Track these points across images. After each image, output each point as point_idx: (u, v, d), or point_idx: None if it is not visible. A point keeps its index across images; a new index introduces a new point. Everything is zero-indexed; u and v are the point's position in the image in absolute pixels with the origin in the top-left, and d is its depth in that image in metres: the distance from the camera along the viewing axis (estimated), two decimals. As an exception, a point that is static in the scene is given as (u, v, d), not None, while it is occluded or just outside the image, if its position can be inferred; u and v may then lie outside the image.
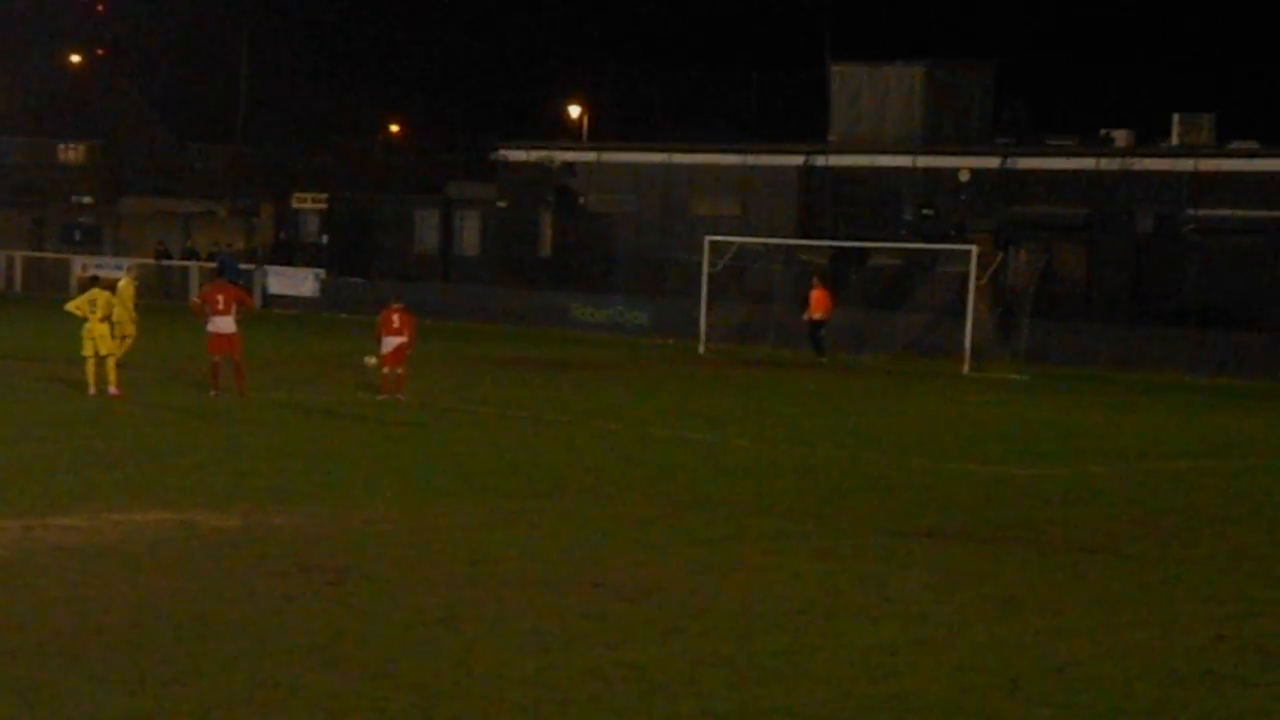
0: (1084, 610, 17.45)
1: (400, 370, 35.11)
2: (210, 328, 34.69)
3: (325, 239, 75.05)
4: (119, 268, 73.84)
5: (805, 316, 51.87)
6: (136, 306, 40.06)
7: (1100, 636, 16.33)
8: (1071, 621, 16.92)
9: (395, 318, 35.23)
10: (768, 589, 17.86)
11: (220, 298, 34.99)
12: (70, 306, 34.23)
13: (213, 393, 34.25)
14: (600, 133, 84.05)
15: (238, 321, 34.87)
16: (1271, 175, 53.05)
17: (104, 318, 33.55)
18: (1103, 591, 18.47)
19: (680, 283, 59.51)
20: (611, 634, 15.63)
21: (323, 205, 76.10)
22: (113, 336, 34.10)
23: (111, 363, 33.63)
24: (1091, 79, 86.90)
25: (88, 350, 33.39)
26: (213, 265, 70.13)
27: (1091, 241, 55.71)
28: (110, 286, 36.65)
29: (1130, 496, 26.12)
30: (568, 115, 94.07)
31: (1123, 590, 18.59)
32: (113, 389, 33.35)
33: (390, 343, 35.02)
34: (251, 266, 69.75)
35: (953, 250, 53.87)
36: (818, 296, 51.71)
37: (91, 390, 33.28)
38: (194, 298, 37.09)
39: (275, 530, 20.17)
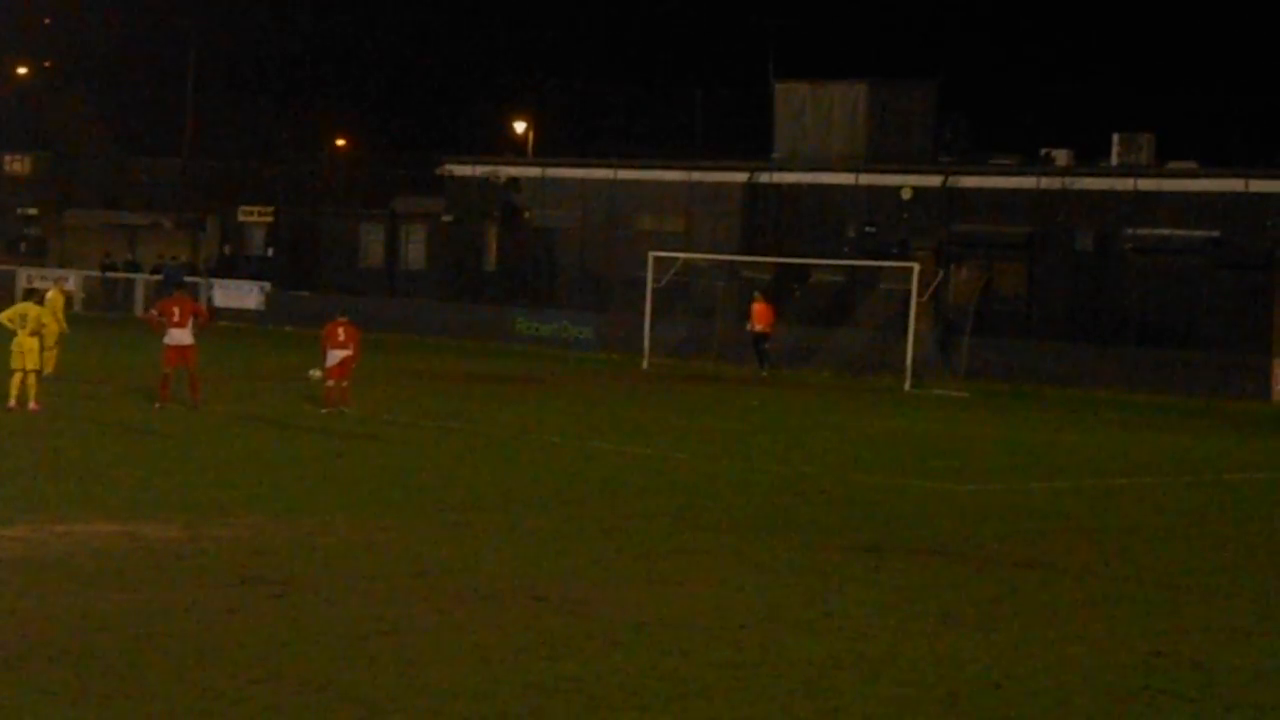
0: (1022, 625, 17.65)
1: (345, 383, 35.17)
2: (167, 339, 34.79)
3: (271, 252, 74.94)
4: (64, 280, 73.78)
5: (748, 328, 52.14)
6: (66, 318, 40.06)
7: (1038, 651, 16.51)
8: (1010, 636, 17.11)
9: (340, 331, 35.30)
10: (709, 603, 18.01)
11: (176, 309, 35.10)
12: (0, 317, 34.11)
13: (157, 405, 34.27)
14: (545, 148, 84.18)
15: (194, 334, 34.93)
16: (1210, 195, 53.50)
17: (33, 332, 33.40)
18: (1041, 607, 18.67)
19: (625, 298, 59.68)
20: (553, 647, 15.76)
21: (269, 218, 76.02)
22: (40, 351, 33.89)
23: (33, 378, 33.36)
24: (1032, 98, 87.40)
25: (15, 364, 33.25)
26: (158, 277, 69.98)
27: (1032, 260, 56.07)
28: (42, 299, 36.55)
29: (1068, 512, 26.37)
30: (513, 130, 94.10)
31: (1061, 606, 18.79)
32: (32, 404, 33.10)
33: (335, 356, 35.08)
34: (196, 279, 69.60)
35: (895, 267, 54.17)
36: (759, 310, 51.95)
37: (12, 404, 33.03)
38: (152, 310, 36.97)
39: (219, 542, 20.23)
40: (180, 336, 34.70)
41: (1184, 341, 52.01)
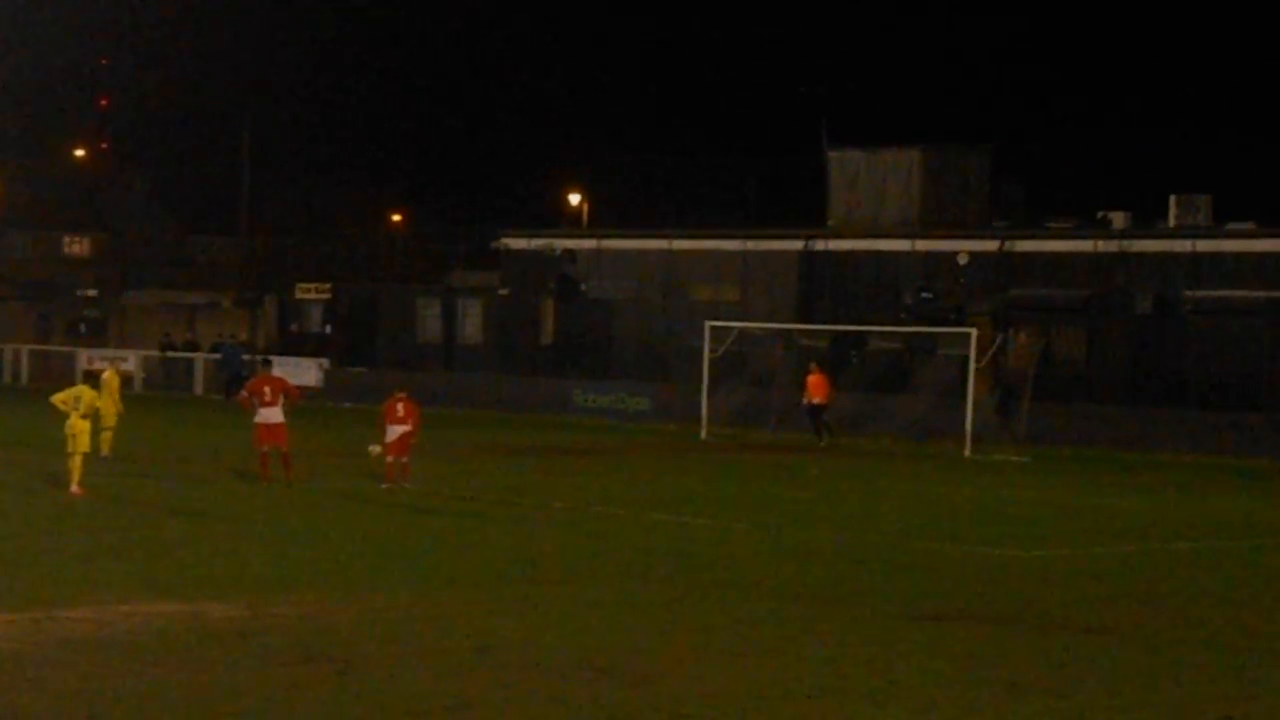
0: (1090, 692, 17.50)
1: (405, 459, 35.21)
2: (258, 418, 35.27)
3: (329, 329, 75.24)
4: (123, 361, 74.20)
5: (804, 401, 51.94)
6: (121, 397, 40.53)
7: (1107, 719, 16.37)
8: (1078, 704, 16.96)
9: (400, 407, 35.36)
10: (773, 673, 17.91)
11: (267, 389, 35.53)
12: (55, 399, 34.24)
13: (264, 483, 34.61)
14: (600, 220, 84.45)
15: (285, 412, 35.31)
16: (1268, 256, 53.26)
17: (85, 414, 33.52)
18: (1108, 673, 18.51)
19: (681, 368, 59.64)
20: (618, 720, 15.69)
21: (326, 295, 76.36)
22: (95, 433, 33.89)
23: (79, 460, 33.34)
24: (1088, 161, 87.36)
25: (70, 447, 33.31)
26: (216, 356, 70.30)
27: (1090, 323, 55.86)
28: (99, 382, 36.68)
29: (1133, 577, 26.18)
30: (568, 203, 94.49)
31: (1129, 672, 18.63)
32: (74, 488, 33.06)
33: (394, 431, 35.13)
34: (249, 358, 69.89)
35: (952, 333, 54.03)
36: (815, 381, 51.76)
37: (74, 488, 33.08)
38: (243, 392, 37.41)
39: (282, 619, 20.23)
40: (271, 415, 35.14)
41: (1245, 403, 51.68)
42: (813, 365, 52.79)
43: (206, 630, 19.49)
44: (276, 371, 40.61)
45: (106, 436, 38.75)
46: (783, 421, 53.84)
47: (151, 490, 34.18)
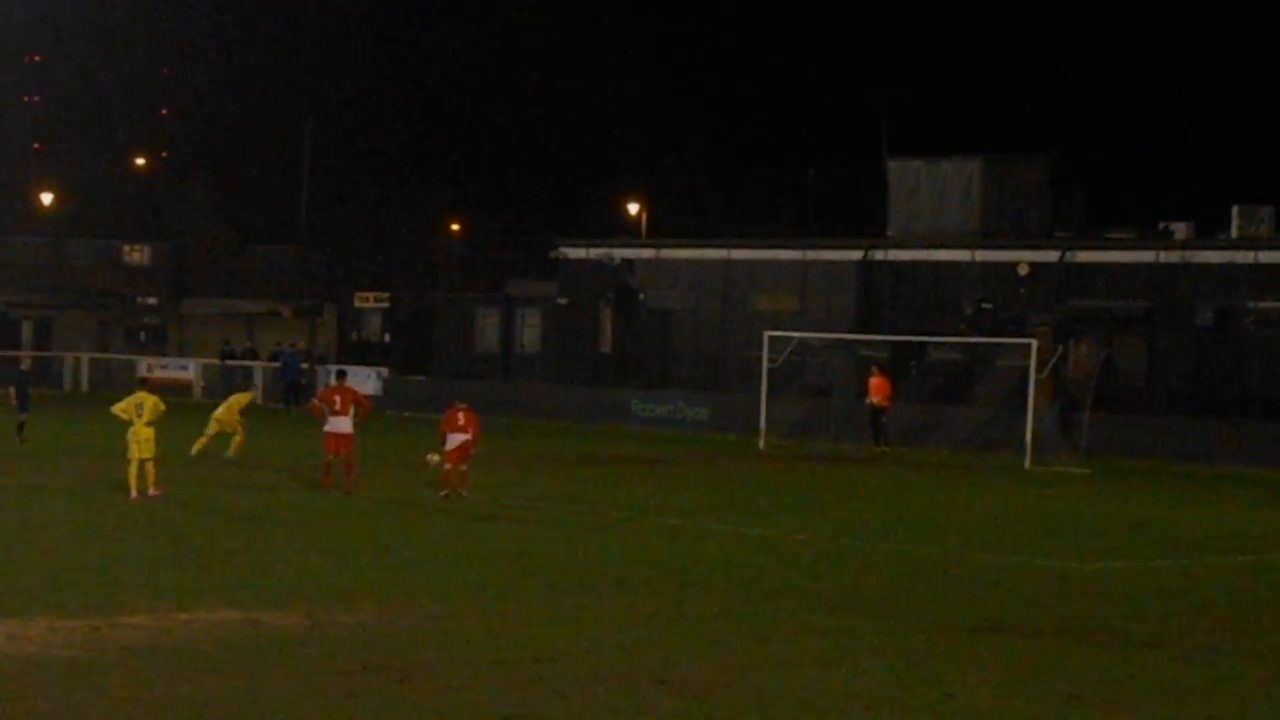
0: (1150, 706, 17.39)
1: (463, 467, 35.28)
2: (327, 427, 35.68)
3: (387, 338, 75.45)
4: (183, 368, 74.56)
5: (866, 401, 51.86)
6: (242, 412, 42.80)
7: (1166, 732, 16.28)
8: (1136, 718, 16.86)
9: (460, 416, 35.48)
10: (832, 685, 17.86)
11: (338, 398, 35.97)
12: (116, 409, 34.44)
13: (323, 492, 34.92)
14: (659, 229, 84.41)
15: (355, 423, 35.69)
16: (1332, 266, 52.91)
17: (149, 422, 33.71)
18: (1169, 687, 18.40)
19: (740, 378, 59.58)
20: (676, 731, 15.65)
21: (385, 304, 76.58)
22: (155, 440, 34.14)
23: (151, 465, 33.63)
24: (1149, 171, 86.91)
25: (133, 453, 33.54)
26: (276, 364, 70.55)
27: (1152, 334, 55.60)
28: (155, 389, 37.06)
29: (1194, 591, 26.02)
30: (626, 212, 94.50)
31: (1189, 686, 18.51)
32: (152, 490, 33.39)
33: (454, 440, 35.23)
34: (306, 366, 70.12)
35: (1012, 344, 53.81)
36: (877, 383, 51.69)
37: (133, 494, 33.32)
38: (314, 400, 38.06)
39: (340, 628, 20.26)
40: (340, 425, 35.54)
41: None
42: (875, 367, 52.72)
43: (265, 639, 19.53)
44: (349, 382, 40.75)
45: (237, 441, 41.78)
46: (840, 433, 53.69)
47: (211, 497, 34.29)
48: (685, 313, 65.26)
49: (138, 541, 27.74)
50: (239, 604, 21.64)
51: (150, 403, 34.13)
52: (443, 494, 34.86)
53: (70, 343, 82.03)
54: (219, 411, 42.54)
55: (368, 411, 37.46)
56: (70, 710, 15.99)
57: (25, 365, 56.22)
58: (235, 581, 23.64)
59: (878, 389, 51.64)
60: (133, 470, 33.48)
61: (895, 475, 45.21)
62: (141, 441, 33.46)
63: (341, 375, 41.67)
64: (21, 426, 46.12)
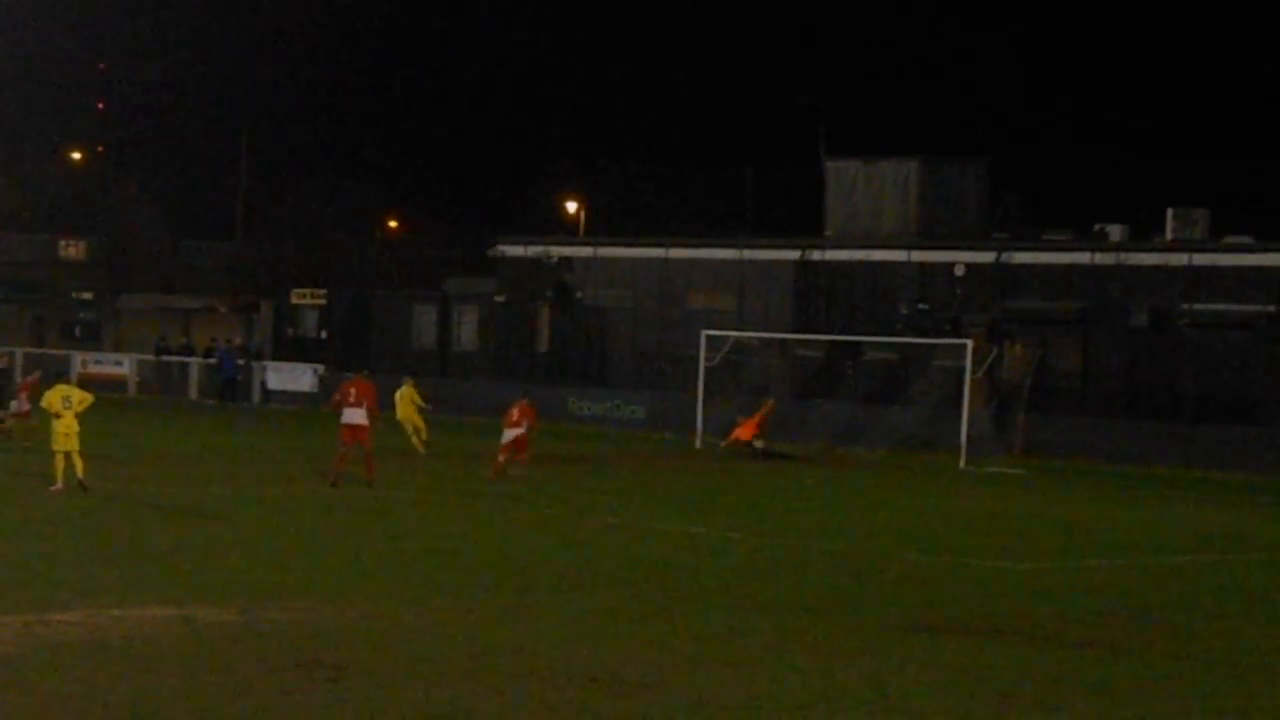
0: (1083, 706, 17.48)
1: (520, 457, 38.47)
2: (343, 419, 36.81)
3: (324, 334, 75.21)
4: (118, 364, 74.18)
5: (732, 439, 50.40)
6: (420, 410, 47.06)
7: (1098, 731, 16.36)
8: (1069, 716, 16.95)
9: (515, 411, 38.02)
10: (767, 684, 17.90)
11: (353, 391, 37.19)
12: (43, 403, 34.37)
13: (334, 481, 35.94)
14: (597, 228, 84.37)
15: (369, 414, 36.82)
16: (1265, 270, 53.26)
17: (77, 414, 33.52)
18: (1102, 687, 18.50)
19: (677, 377, 59.63)
20: (610, 729, 15.66)
21: (321, 301, 76.34)
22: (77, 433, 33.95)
23: (77, 457, 33.47)
24: (1085, 174, 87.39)
25: (59, 445, 33.40)
26: (211, 360, 70.25)
27: (1086, 336, 55.87)
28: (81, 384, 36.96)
29: (1127, 591, 26.17)
30: (564, 210, 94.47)
31: (1122, 685, 18.62)
32: (59, 485, 33.21)
33: (509, 435, 37.93)
34: (242, 362, 69.82)
35: (948, 344, 54.03)
36: (747, 423, 50.32)
37: (58, 485, 33.15)
38: (335, 396, 38.74)
39: (274, 625, 20.20)
40: (355, 416, 36.72)
41: (1241, 417, 51.67)
42: (739, 418, 51.27)
43: (198, 635, 19.46)
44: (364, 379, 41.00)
45: (416, 441, 45.91)
46: (778, 431, 53.74)
47: (144, 494, 34.13)
48: (623, 311, 65.26)
49: (68, 537, 27.57)
50: (172, 601, 21.55)
51: (78, 396, 34.00)
52: (491, 485, 37.27)
53: (4, 337, 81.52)
54: (399, 414, 46.50)
55: (374, 410, 37.82)
56: (2, 708, 15.89)
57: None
58: (168, 578, 23.54)
59: (746, 428, 50.28)
60: (59, 462, 33.31)
61: (831, 475, 45.33)
62: (69, 434, 33.29)
63: (365, 372, 43.15)
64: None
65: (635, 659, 18.97)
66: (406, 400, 47.20)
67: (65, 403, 33.58)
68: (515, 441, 38.47)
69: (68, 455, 33.28)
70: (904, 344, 56.75)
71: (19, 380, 50.75)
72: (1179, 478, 47.65)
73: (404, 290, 77.20)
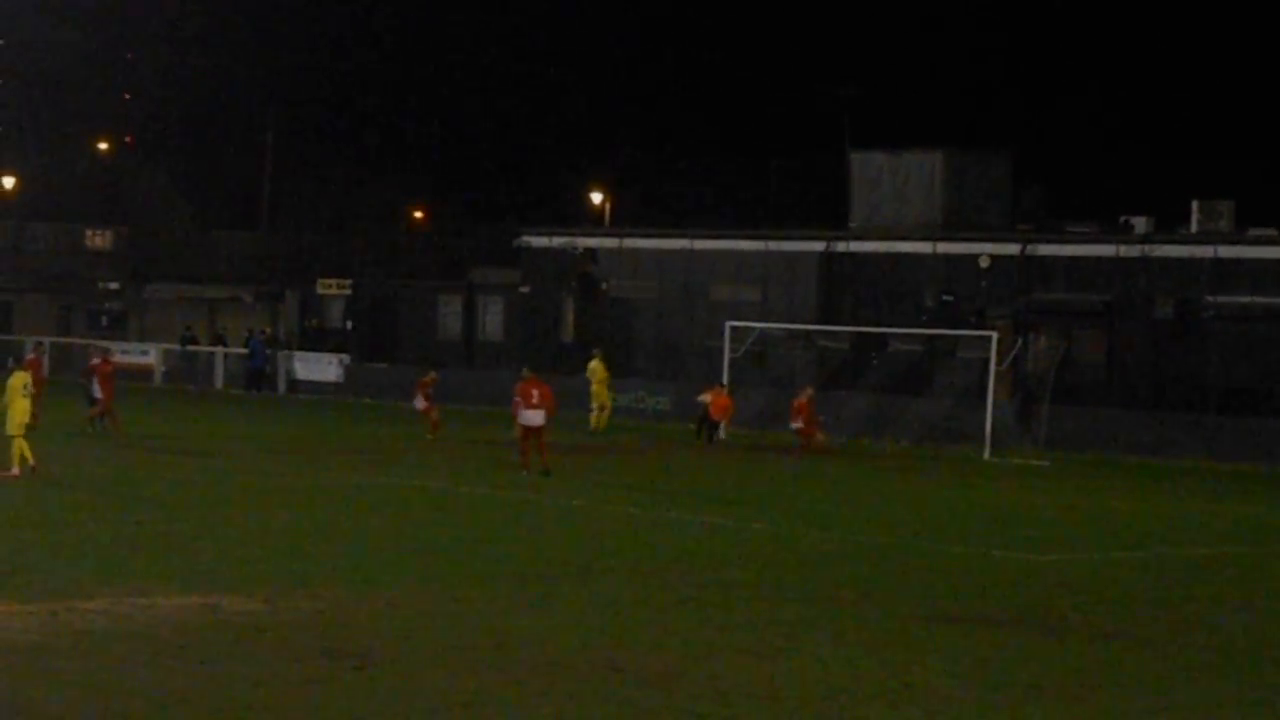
0: (1107, 697, 17.48)
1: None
2: (521, 420, 38.02)
3: (349, 325, 75.29)
4: (144, 353, 74.33)
5: (705, 407, 50.42)
6: (609, 386, 50.58)
7: (1121, 723, 16.36)
8: (1093, 708, 16.95)
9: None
10: (790, 674, 17.91)
11: (535, 393, 38.09)
12: (12, 387, 34.83)
13: (524, 473, 37.18)
14: (622, 219, 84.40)
15: (548, 415, 38.05)
16: (1291, 262, 53.07)
17: (26, 395, 34.20)
18: (1126, 678, 18.49)
19: (701, 368, 59.58)
20: (632, 719, 15.69)
21: (347, 291, 76.38)
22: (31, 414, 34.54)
23: (19, 443, 33.89)
24: (1110, 166, 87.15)
25: (15, 430, 33.91)
26: (244, 351, 70.35)
27: (1111, 328, 55.71)
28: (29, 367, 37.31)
29: (1151, 583, 26.14)
30: (590, 201, 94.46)
31: (1146, 677, 18.61)
32: (14, 470, 33.54)
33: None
34: (269, 351, 69.89)
35: (973, 336, 53.93)
36: (720, 401, 50.29)
37: (31, 463, 33.54)
38: (516, 398, 39.18)
39: (300, 614, 20.26)
40: (533, 418, 37.83)
41: (1266, 409, 51.53)
42: (719, 385, 51.37)
43: (223, 624, 19.52)
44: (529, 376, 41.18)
45: (603, 416, 50.09)
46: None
47: (169, 481, 34.20)
48: (648, 302, 65.22)
49: (95, 525, 27.65)
50: (197, 588, 21.62)
51: (32, 379, 35.11)
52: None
53: (30, 327, 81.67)
54: (594, 389, 51.06)
55: (553, 409, 38.78)
56: (26, 695, 15.96)
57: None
58: (194, 567, 23.60)
59: (719, 407, 50.25)
60: (19, 447, 33.64)
61: (855, 467, 45.31)
62: (27, 416, 34.06)
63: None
64: None
65: (658, 649, 18.99)
66: (599, 377, 50.80)
67: (25, 389, 34.25)
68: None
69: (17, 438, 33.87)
70: (929, 336, 56.66)
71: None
72: (1204, 470, 47.54)
73: (429, 281, 77.24)
